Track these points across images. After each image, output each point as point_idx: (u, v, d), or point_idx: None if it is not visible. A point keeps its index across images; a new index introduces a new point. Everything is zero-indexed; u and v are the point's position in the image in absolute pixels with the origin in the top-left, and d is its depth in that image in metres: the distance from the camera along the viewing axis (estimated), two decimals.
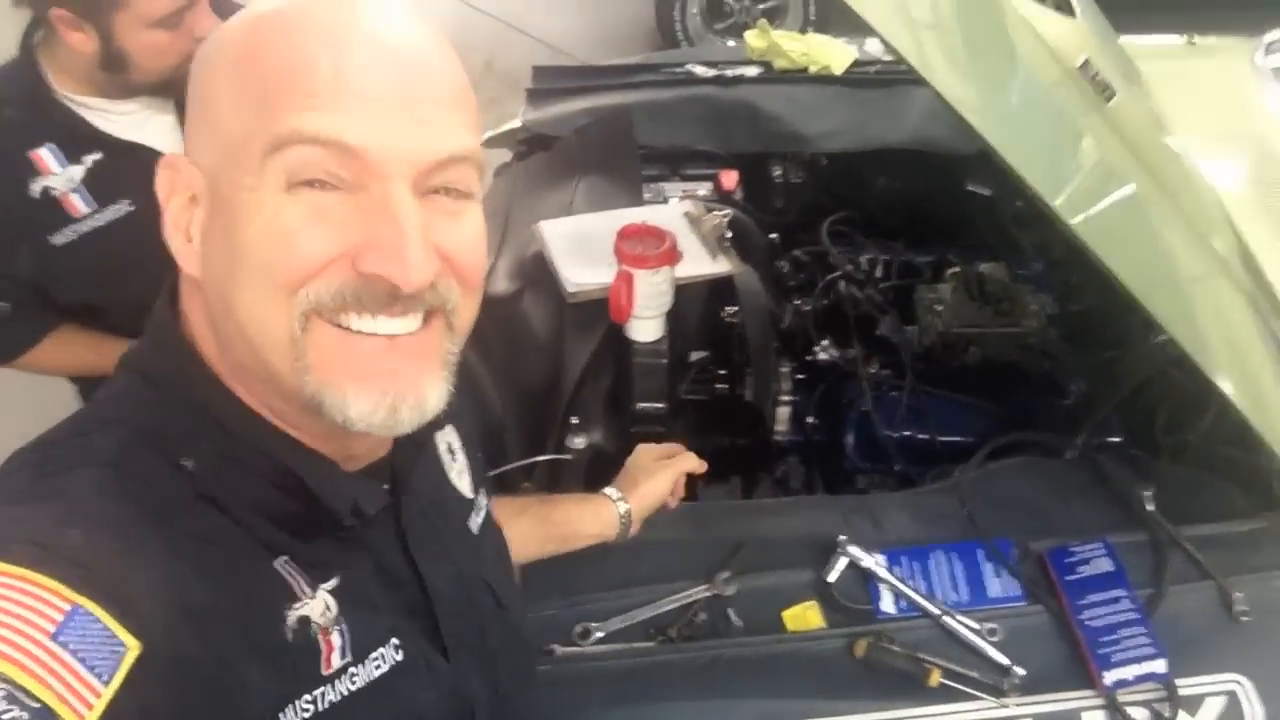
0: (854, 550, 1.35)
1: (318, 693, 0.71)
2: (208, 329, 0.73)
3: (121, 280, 1.43)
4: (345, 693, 0.72)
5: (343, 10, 0.68)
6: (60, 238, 1.53)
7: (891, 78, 2.27)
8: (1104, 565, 1.34)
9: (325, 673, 0.72)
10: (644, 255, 1.57)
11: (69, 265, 1.54)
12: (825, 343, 1.83)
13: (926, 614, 1.32)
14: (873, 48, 2.38)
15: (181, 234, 0.71)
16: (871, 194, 2.21)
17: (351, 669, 0.73)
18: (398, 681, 0.77)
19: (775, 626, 1.33)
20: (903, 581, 1.34)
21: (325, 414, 0.67)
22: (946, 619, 1.31)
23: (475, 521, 0.97)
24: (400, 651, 0.78)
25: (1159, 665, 1.25)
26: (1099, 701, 1.25)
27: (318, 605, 0.72)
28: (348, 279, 0.65)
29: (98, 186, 1.53)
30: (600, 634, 1.31)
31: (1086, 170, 1.48)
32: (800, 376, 1.90)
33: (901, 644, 1.29)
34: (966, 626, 1.30)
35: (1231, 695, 1.27)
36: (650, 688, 1.27)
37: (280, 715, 0.68)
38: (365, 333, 0.67)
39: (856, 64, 2.31)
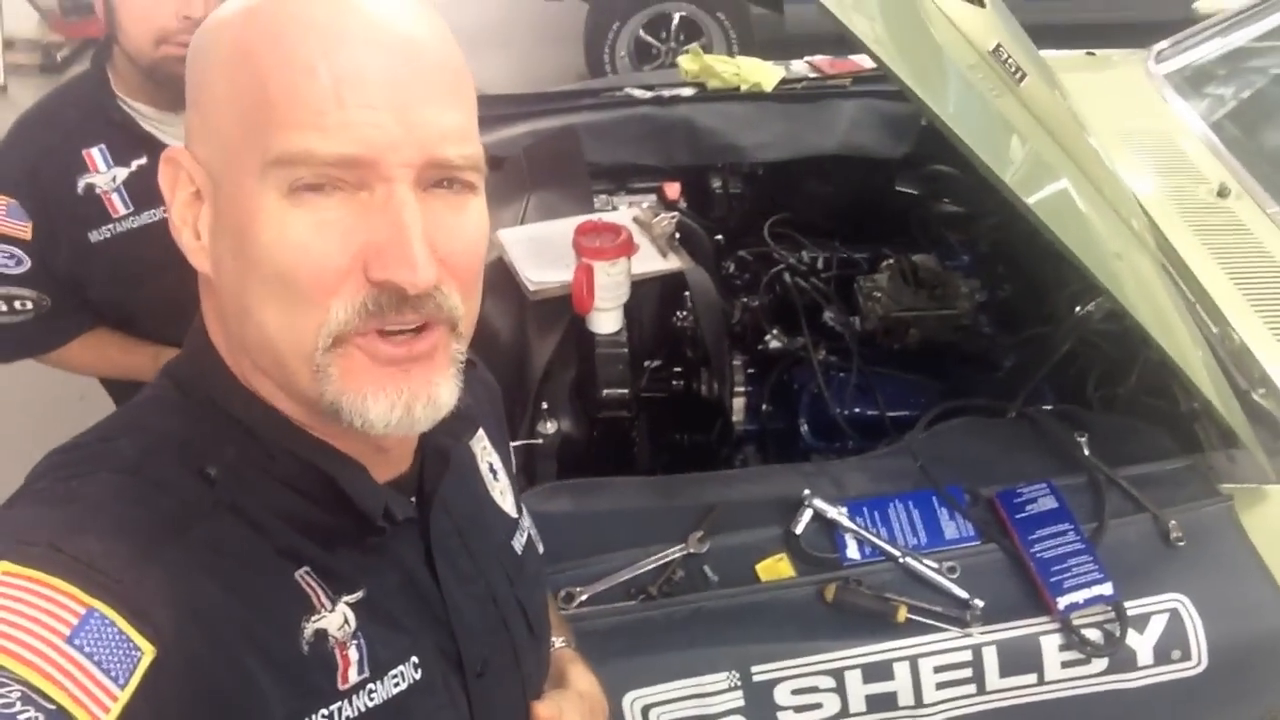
0: (819, 503, 1.43)
1: (334, 707, 0.69)
2: (219, 326, 0.73)
3: (148, 284, 1.49)
4: (362, 709, 0.71)
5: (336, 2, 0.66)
6: (97, 235, 1.59)
7: (819, 92, 2.40)
8: (1049, 503, 1.44)
9: (341, 687, 0.70)
10: (602, 248, 1.66)
11: (102, 263, 1.60)
12: (775, 332, 1.92)
13: (889, 557, 1.40)
14: (798, 67, 2.52)
15: (189, 230, 0.70)
16: (807, 198, 2.33)
17: (369, 685, 0.72)
18: (416, 700, 0.75)
19: (749, 579, 1.40)
20: (865, 529, 1.43)
21: (342, 419, 0.67)
22: (909, 560, 1.39)
23: (519, 542, 0.95)
24: (419, 670, 0.76)
25: (1106, 588, 1.35)
26: (1055, 625, 1.35)
27: (336, 619, 0.71)
28: (367, 293, 0.65)
29: (138, 190, 1.60)
30: (584, 596, 1.37)
31: (1018, 161, 1.60)
32: (750, 371, 1.99)
33: (868, 586, 1.37)
34: (927, 566, 1.39)
35: (1173, 612, 1.37)
36: (636, 642, 1.33)
37: None
38: (380, 332, 0.67)
39: (784, 81, 2.44)
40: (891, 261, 2.03)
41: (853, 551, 1.42)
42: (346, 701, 0.70)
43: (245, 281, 0.66)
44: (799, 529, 1.43)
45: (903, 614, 1.34)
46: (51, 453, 0.71)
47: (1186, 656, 1.35)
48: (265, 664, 0.66)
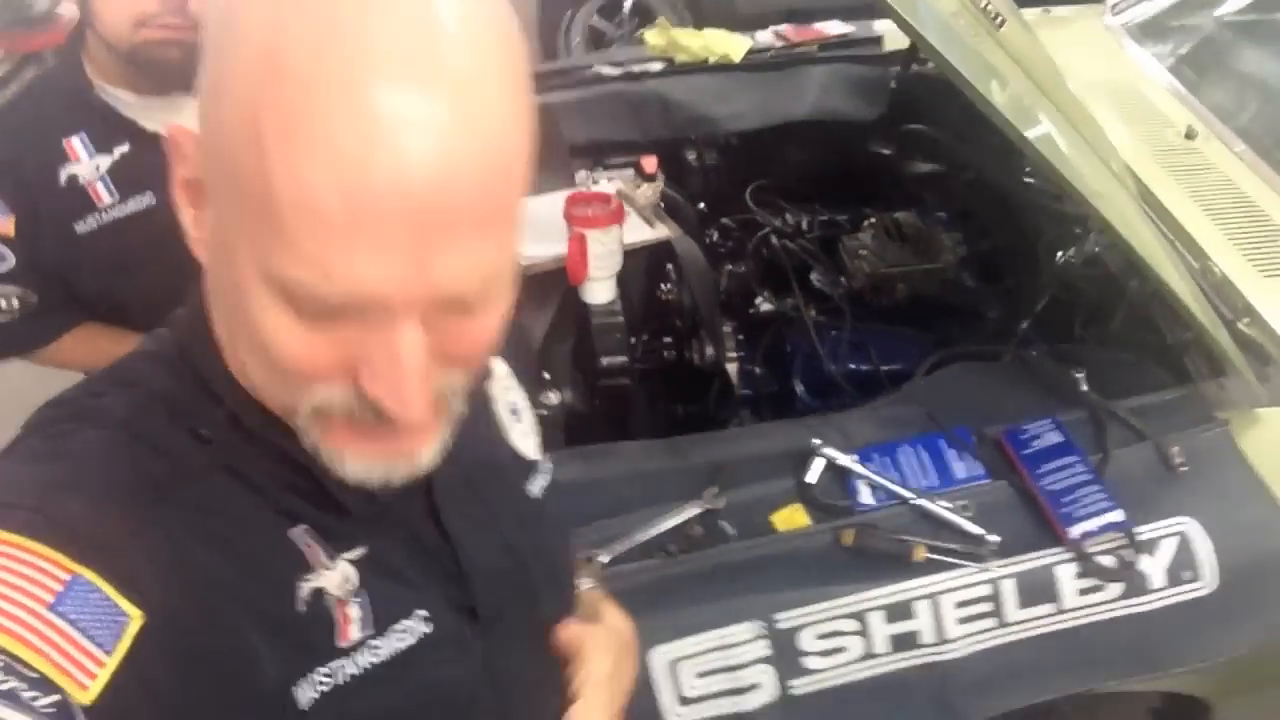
0: (829, 451, 1.45)
1: (334, 665, 0.68)
2: (213, 310, 0.69)
3: (139, 273, 1.47)
4: (366, 666, 0.70)
5: (369, 87, 0.52)
6: (83, 226, 1.56)
7: (786, 60, 2.42)
8: (1054, 438, 1.47)
9: (341, 645, 0.69)
10: (595, 216, 1.66)
11: (90, 254, 1.57)
12: (766, 294, 1.94)
13: (903, 500, 1.42)
14: (764, 37, 2.54)
15: (188, 216, 0.64)
16: (783, 165, 2.34)
17: (372, 641, 0.70)
18: (425, 654, 0.73)
19: (766, 530, 1.41)
20: (877, 474, 1.44)
21: (320, 461, 0.65)
22: (922, 502, 1.41)
23: (538, 485, 0.90)
24: (429, 624, 0.74)
25: (1117, 515, 1.37)
26: (1069, 554, 1.37)
27: (335, 576, 0.69)
28: (351, 394, 0.61)
29: (122, 177, 1.56)
30: (605, 558, 1.37)
31: (1001, 104, 1.61)
32: (740, 338, 2.00)
33: (884, 530, 1.38)
34: (941, 506, 1.41)
35: (1182, 535, 1.40)
36: (659, 598, 1.33)
37: (294, 687, 0.66)
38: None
39: (752, 51, 2.45)
40: (874, 220, 2.05)
41: (866, 497, 1.43)
42: (348, 659, 0.69)
43: (236, 325, 0.62)
44: (812, 478, 1.44)
45: (921, 553, 1.35)
46: (43, 406, 0.69)
47: (1197, 577, 1.38)
48: (258, 625, 0.65)
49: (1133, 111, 2.20)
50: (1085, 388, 1.56)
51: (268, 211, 0.54)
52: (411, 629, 0.73)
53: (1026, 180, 2.08)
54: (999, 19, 1.54)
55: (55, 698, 0.54)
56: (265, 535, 0.68)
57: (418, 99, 0.53)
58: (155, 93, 1.55)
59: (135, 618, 0.58)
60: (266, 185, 0.53)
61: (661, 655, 1.31)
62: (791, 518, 1.42)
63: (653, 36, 2.49)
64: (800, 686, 1.32)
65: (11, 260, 1.57)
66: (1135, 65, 2.38)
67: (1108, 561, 1.37)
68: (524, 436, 0.91)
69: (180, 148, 0.63)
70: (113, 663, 0.57)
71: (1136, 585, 1.37)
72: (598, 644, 0.90)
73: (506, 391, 0.91)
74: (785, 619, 1.33)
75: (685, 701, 1.31)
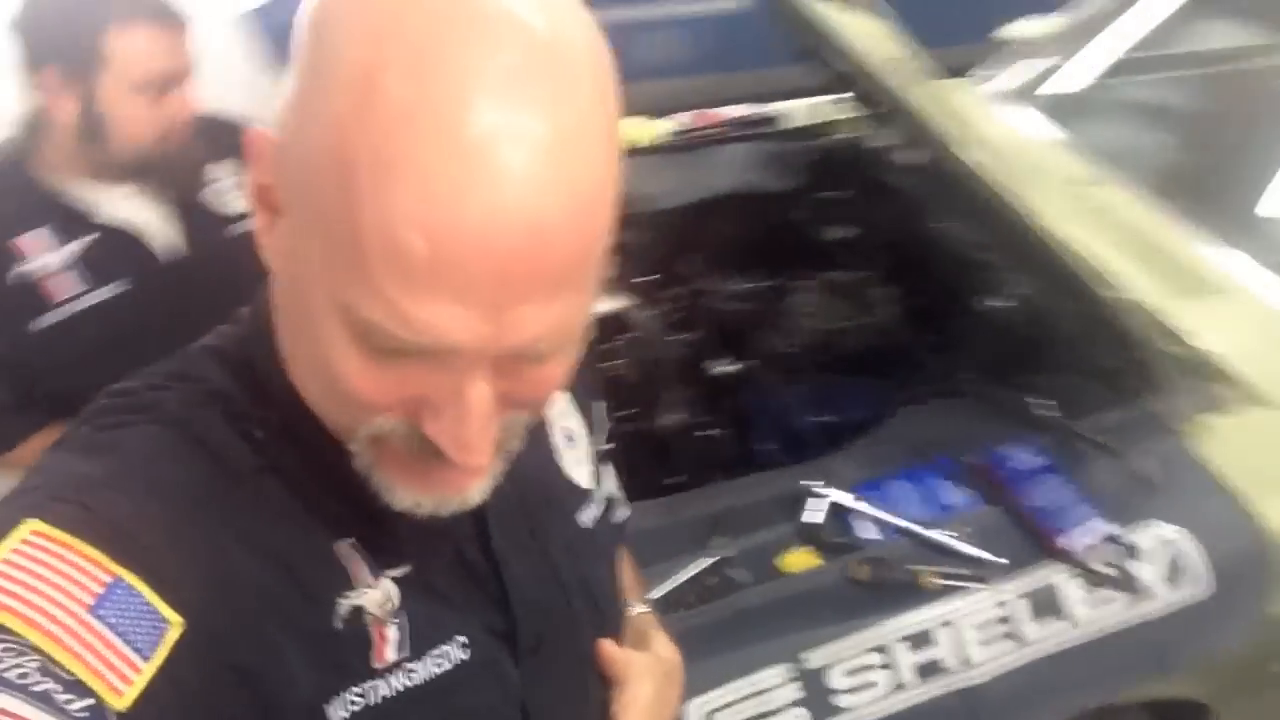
0: (828, 491, 1.48)
1: (367, 686, 0.67)
2: (278, 319, 0.67)
3: (108, 366, 1.38)
4: (400, 688, 0.68)
5: (471, 124, 0.49)
6: (41, 322, 1.47)
7: (701, 141, 2.52)
8: (1034, 460, 1.54)
9: (377, 666, 0.67)
10: None
11: (49, 351, 1.47)
12: (728, 359, 1.98)
13: (904, 532, 1.46)
14: (668, 125, 2.63)
15: (259, 221, 0.62)
16: (711, 237, 2.41)
17: (409, 664, 0.69)
18: (460, 681, 0.72)
19: (776, 574, 1.42)
20: (874, 510, 1.48)
21: (370, 484, 0.64)
22: (923, 531, 1.45)
23: (588, 514, 0.87)
24: (467, 650, 0.72)
25: (1109, 527, 1.45)
26: (1072, 567, 1.43)
27: (377, 595, 0.68)
28: (410, 429, 0.60)
29: (93, 264, 1.49)
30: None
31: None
32: (698, 403, 2.03)
33: (891, 561, 1.41)
34: (942, 534, 1.45)
35: (1166, 539, 1.48)
36: (687, 650, 1.30)
37: (326, 706, 0.65)
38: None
39: (668, 134, 2.54)
40: (813, 280, 2.13)
41: (868, 532, 1.47)
42: (382, 680, 0.68)
43: (301, 344, 0.62)
44: (814, 519, 1.46)
45: (933, 580, 1.38)
46: (102, 393, 0.69)
47: (1188, 577, 1.45)
48: (294, 638, 0.63)
49: (1025, 164, 2.36)
50: (1048, 412, 1.64)
51: (349, 245, 0.52)
52: (448, 654, 0.72)
53: (944, 232, 2.20)
54: (922, 75, 1.66)
55: (89, 702, 0.53)
56: (310, 545, 0.67)
57: (520, 141, 0.50)
58: (113, 180, 1.50)
59: (175, 624, 0.57)
60: (351, 217, 0.51)
61: (697, 709, 1.29)
62: (800, 559, 1.44)
63: None
64: None
65: None
66: (1017, 126, 2.57)
67: (1107, 570, 1.43)
68: (577, 464, 0.89)
69: (256, 151, 0.60)
70: (150, 670, 0.55)
71: (1137, 590, 1.43)
72: (642, 669, 0.89)
73: (563, 417, 0.89)
74: (812, 659, 1.33)
75: None
